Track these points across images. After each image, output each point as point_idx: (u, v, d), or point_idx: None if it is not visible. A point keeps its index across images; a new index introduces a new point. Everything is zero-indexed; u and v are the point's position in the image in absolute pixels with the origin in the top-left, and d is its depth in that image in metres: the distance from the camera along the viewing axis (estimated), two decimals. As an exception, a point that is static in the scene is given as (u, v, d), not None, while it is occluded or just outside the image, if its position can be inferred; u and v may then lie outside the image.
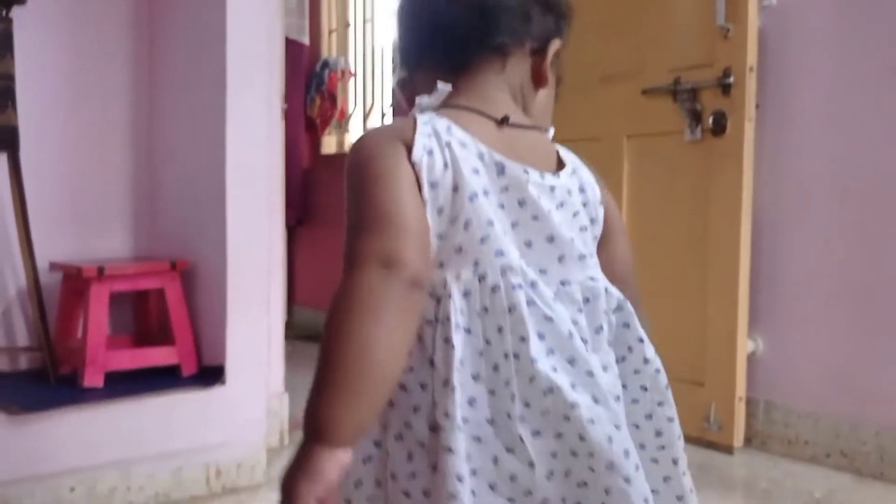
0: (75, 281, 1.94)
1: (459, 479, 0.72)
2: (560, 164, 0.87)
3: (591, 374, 0.77)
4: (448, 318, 0.74)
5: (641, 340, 0.84)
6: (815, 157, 2.13)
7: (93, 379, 1.85)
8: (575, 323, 0.79)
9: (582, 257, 0.83)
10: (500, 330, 0.74)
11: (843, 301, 2.09)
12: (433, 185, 0.75)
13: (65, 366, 1.96)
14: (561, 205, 0.82)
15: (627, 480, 0.75)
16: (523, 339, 0.74)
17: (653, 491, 0.87)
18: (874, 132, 2.02)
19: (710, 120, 2.19)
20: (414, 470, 0.75)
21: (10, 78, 1.89)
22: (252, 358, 1.97)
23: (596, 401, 0.76)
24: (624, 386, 0.84)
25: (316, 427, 0.69)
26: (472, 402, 0.74)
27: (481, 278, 0.75)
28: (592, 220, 0.87)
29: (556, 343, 0.76)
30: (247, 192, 1.97)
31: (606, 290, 0.84)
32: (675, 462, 0.87)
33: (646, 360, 0.84)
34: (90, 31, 2.12)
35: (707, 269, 2.25)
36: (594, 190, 0.89)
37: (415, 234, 0.72)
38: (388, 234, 0.72)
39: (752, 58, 2.13)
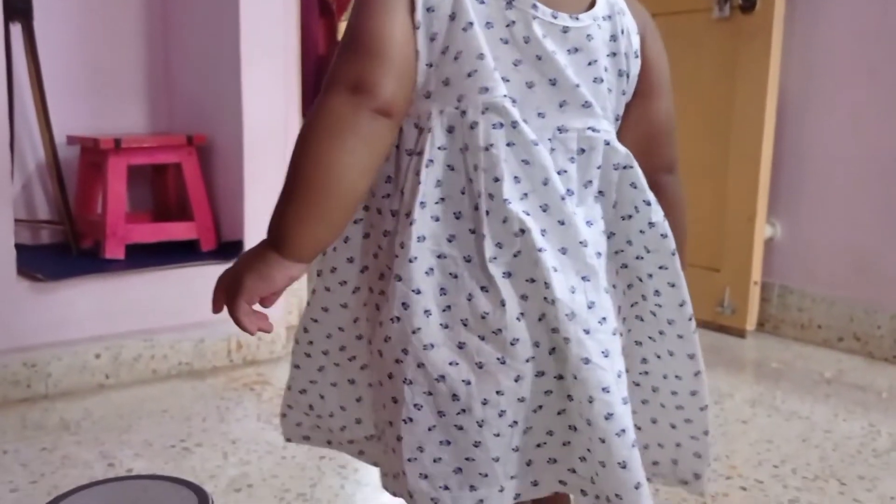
0: (93, 154, 1.94)
1: (405, 305, 0.73)
2: (592, 4, 0.80)
3: (563, 223, 0.75)
4: (422, 152, 0.73)
5: (648, 203, 0.80)
6: (846, 36, 2.07)
7: (114, 251, 1.87)
8: (562, 172, 0.76)
9: (587, 105, 0.77)
10: (475, 168, 0.74)
11: (866, 183, 2.06)
12: (429, 9, 0.72)
13: (86, 240, 1.99)
14: (574, 49, 0.77)
15: (587, 332, 0.75)
16: (497, 180, 0.73)
17: (657, 356, 0.87)
18: (910, 9, 1.95)
19: (741, -4, 2.12)
20: (383, 288, 0.77)
21: (20, -57, 1.84)
22: (270, 234, 1.98)
23: (563, 251, 0.75)
24: (629, 242, 0.82)
25: (278, 236, 0.72)
26: (451, 238, 0.74)
27: (463, 113, 0.74)
28: (620, 73, 0.81)
29: (531, 187, 0.75)
30: (262, 68, 1.94)
31: (608, 143, 0.79)
32: (670, 323, 0.85)
33: (651, 224, 0.80)
34: None
35: (729, 152, 2.22)
36: (631, 40, 0.82)
37: (393, 62, 0.71)
38: (364, 60, 0.71)
39: (787, -71, 2.04)
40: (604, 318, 0.76)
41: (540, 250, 0.73)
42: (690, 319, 0.85)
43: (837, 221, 2.13)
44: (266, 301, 0.77)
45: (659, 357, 0.88)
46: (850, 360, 2.04)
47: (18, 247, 1.72)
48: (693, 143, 2.31)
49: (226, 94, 1.96)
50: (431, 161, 0.74)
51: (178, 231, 1.98)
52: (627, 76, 0.82)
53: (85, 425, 1.59)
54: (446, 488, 0.77)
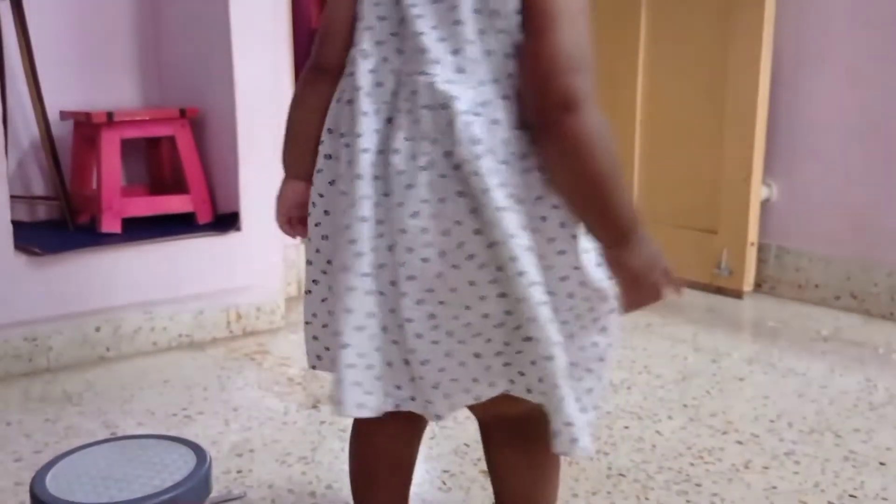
0: (86, 128, 1.94)
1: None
2: None
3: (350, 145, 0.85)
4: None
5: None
6: (841, -7, 2.05)
7: (110, 225, 1.88)
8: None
9: (423, 51, 0.80)
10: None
11: (862, 140, 2.06)
12: None
13: (82, 215, 1.99)
14: None
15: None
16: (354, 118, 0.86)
17: None
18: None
19: (733, -45, 2.10)
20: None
21: (6, -83, 1.83)
22: (266, 205, 1.98)
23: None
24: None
25: (282, 167, 1.00)
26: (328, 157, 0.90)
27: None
28: (491, 13, 0.80)
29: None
30: (253, 40, 1.93)
31: (432, 84, 0.80)
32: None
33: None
34: None
35: (724, 113, 2.21)
36: None
37: (333, 33, 0.87)
38: (318, 41, 0.90)
39: None
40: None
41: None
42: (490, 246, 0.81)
43: (833, 180, 2.13)
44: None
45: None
46: (847, 318, 2.05)
47: (15, 223, 1.73)
48: (688, 106, 2.31)
49: (218, 66, 1.95)
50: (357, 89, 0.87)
51: (174, 204, 1.98)
52: (499, 14, 0.80)
53: (87, 396, 1.61)
54: (327, 349, 0.92)
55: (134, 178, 2.16)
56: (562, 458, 0.98)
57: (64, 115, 2.00)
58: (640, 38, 2.38)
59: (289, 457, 1.34)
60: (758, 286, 2.27)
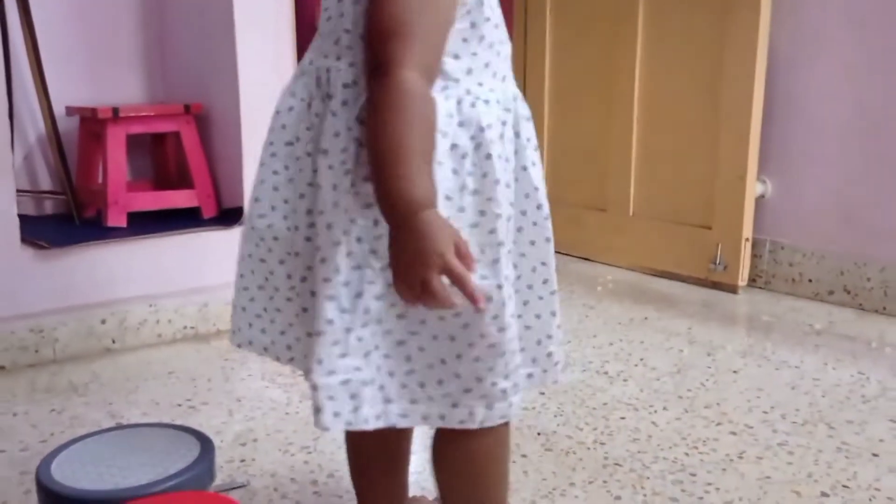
0: (92, 124, 1.97)
1: None
2: None
3: None
4: None
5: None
6: (836, -7, 2.08)
7: (116, 219, 1.91)
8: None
9: (347, 31, 0.83)
10: None
11: (856, 137, 2.09)
12: None
13: (89, 209, 2.02)
14: None
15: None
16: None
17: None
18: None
19: (730, -45, 2.13)
20: None
21: (12, -85, 1.85)
22: (269, 200, 2.01)
23: None
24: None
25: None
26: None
27: None
28: None
29: None
30: (256, 36, 1.96)
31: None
32: None
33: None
34: None
35: (720, 111, 2.24)
36: None
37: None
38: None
39: None
40: None
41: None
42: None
43: (827, 177, 2.16)
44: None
45: None
46: (840, 313, 2.08)
47: (22, 217, 1.75)
48: (685, 103, 2.34)
49: (221, 62, 1.98)
50: None
51: (179, 199, 2.01)
52: None
53: (93, 387, 1.64)
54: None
55: (139, 174, 2.18)
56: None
57: (70, 110, 2.03)
58: (637, 35, 2.41)
59: (291, 446, 1.37)
60: (752, 281, 2.30)
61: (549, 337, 0.93)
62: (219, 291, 1.96)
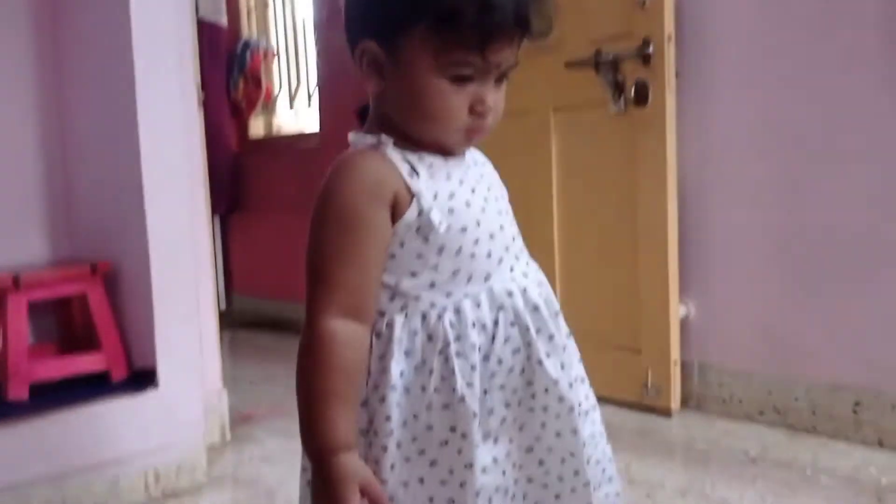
0: (-9, 292, 1.86)
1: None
2: None
3: None
4: None
5: None
6: (736, 121, 2.16)
7: (17, 392, 1.78)
8: None
9: None
10: None
11: (768, 261, 2.14)
12: None
13: (-11, 379, 1.89)
14: None
15: None
16: None
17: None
18: (790, 93, 2.06)
19: (633, 90, 2.20)
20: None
21: None
22: (184, 358, 1.93)
23: None
24: None
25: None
26: None
27: None
28: None
29: None
30: (166, 188, 1.91)
31: None
32: None
33: None
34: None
35: (637, 237, 2.27)
36: None
37: None
38: None
39: (669, 26, 2.14)
40: None
41: None
42: None
43: (745, 297, 2.19)
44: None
45: None
46: (772, 435, 2.08)
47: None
48: (603, 231, 2.37)
49: (130, 217, 1.91)
50: None
51: (85, 363, 1.90)
52: None
53: (-11, 592, 1.49)
54: None
55: (43, 335, 2.07)
56: None
57: (-33, 276, 1.92)
58: (552, 165, 2.45)
59: None
60: (685, 402, 2.29)
61: None
62: (130, 462, 1.84)
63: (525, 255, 0.95)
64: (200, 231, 2.19)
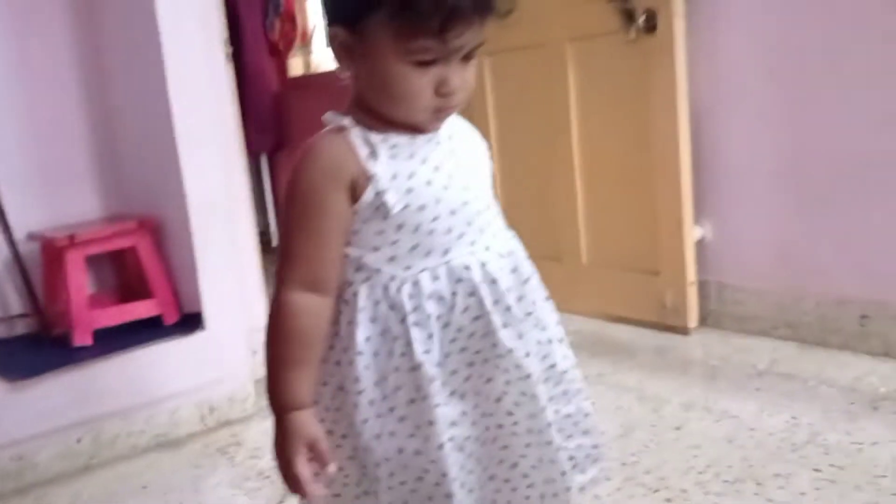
0: (51, 249, 2.07)
1: None
2: None
3: None
4: None
5: None
6: (746, 45, 2.18)
7: (82, 338, 2.00)
8: None
9: None
10: None
11: (780, 180, 2.19)
12: None
13: (58, 327, 2.11)
14: None
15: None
16: None
17: None
18: (799, 16, 2.06)
19: (643, 18, 2.23)
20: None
21: (-45, 65, 1.96)
22: (227, 301, 2.11)
23: None
24: None
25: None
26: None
27: None
28: None
29: None
30: (198, 142, 2.04)
31: None
32: None
33: None
34: (27, 6, 2.16)
35: (652, 162, 2.34)
36: None
37: None
38: None
39: (675, -48, 2.15)
40: None
41: None
42: None
43: (759, 217, 2.25)
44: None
45: None
46: (784, 348, 2.17)
47: (-6, 343, 1.86)
48: (617, 157, 2.44)
49: (168, 172, 2.07)
50: None
51: (140, 310, 2.11)
52: None
53: (72, 510, 1.73)
54: None
55: (104, 285, 2.28)
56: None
57: (31, 236, 2.13)
58: (569, 94, 2.51)
59: (256, 557, 1.46)
60: (703, 321, 2.39)
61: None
62: (186, 396, 2.05)
63: (493, 227, 1.00)
64: (237, 177, 2.34)
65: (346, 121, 0.94)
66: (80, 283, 2.03)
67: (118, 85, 2.23)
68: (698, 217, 2.34)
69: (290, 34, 4.04)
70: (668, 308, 2.37)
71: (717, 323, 2.38)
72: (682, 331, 2.36)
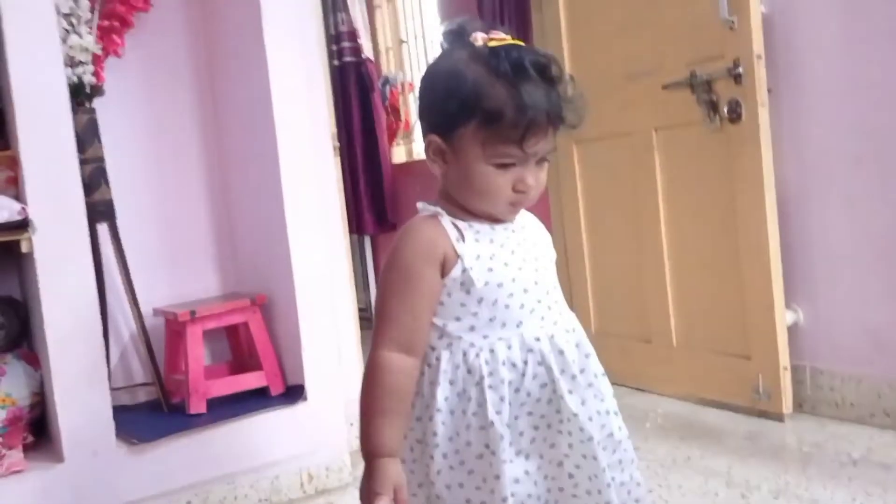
0: (174, 323, 2.27)
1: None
2: None
3: None
4: None
5: None
6: (831, 130, 2.22)
7: (197, 406, 2.17)
8: None
9: None
10: None
11: (873, 264, 2.18)
12: None
13: (176, 396, 2.30)
14: None
15: None
16: None
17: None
18: (881, 100, 2.10)
19: (726, 109, 2.30)
20: None
21: (101, 160, 2.22)
22: (327, 373, 2.25)
23: None
24: None
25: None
26: None
27: None
28: None
29: None
30: (305, 227, 2.22)
31: None
32: None
33: None
34: (161, 106, 2.43)
35: (739, 247, 2.37)
36: None
37: None
38: None
39: (757, 46, 2.23)
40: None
41: None
42: None
43: (851, 301, 2.24)
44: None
45: None
46: (881, 437, 2.12)
47: (119, 408, 2.04)
48: (705, 243, 2.48)
49: (278, 256, 2.26)
50: None
51: (249, 381, 2.27)
52: None
53: (181, 568, 1.85)
54: None
55: (217, 357, 2.47)
56: None
57: (156, 311, 2.35)
58: (656, 181, 2.59)
59: None
60: (799, 406, 2.35)
61: None
62: (287, 463, 2.18)
63: (558, 306, 1.14)
64: (339, 258, 2.51)
65: (439, 208, 1.11)
66: (198, 355, 2.21)
67: (237, 176, 2.46)
68: (790, 301, 2.34)
69: (393, 125, 4.30)
70: (761, 393, 2.36)
71: (812, 409, 2.34)
72: (776, 416, 2.33)
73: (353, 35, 4.06)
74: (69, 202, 1.94)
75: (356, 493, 1.94)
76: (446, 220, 1.09)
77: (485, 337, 1.07)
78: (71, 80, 2.09)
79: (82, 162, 2.05)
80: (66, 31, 2.12)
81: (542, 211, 3.08)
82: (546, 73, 1.03)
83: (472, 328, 1.07)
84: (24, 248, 1.90)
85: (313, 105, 2.34)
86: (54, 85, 1.92)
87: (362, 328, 2.75)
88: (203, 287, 2.50)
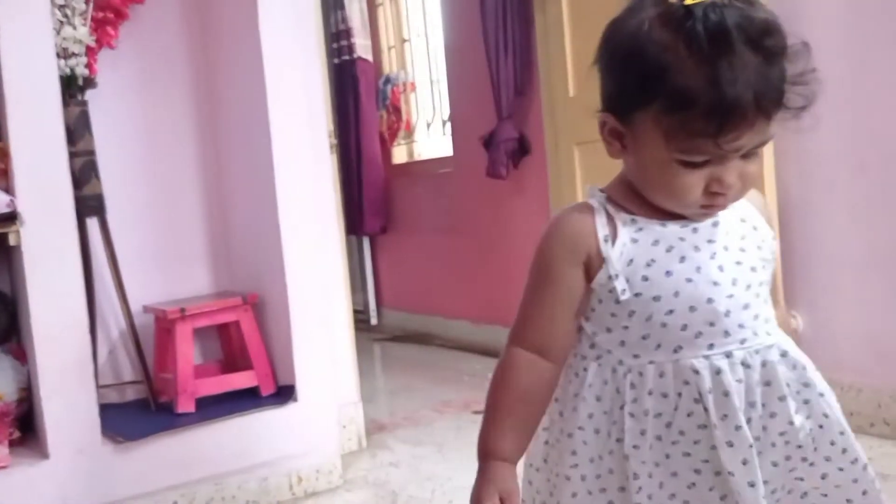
0: (163, 321, 2.23)
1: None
2: None
3: None
4: None
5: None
6: (833, 137, 2.18)
7: (185, 405, 2.14)
8: None
9: None
10: None
11: (873, 273, 2.14)
12: None
13: (164, 394, 2.26)
14: None
15: None
16: None
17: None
18: (883, 107, 2.07)
19: (728, 112, 2.27)
20: None
21: (92, 153, 2.19)
22: (319, 375, 2.21)
23: None
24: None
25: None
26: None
27: None
28: None
29: None
30: (299, 226, 2.19)
31: None
32: None
33: None
34: (155, 99, 2.40)
35: (741, 254, 2.33)
36: None
37: None
38: None
39: (761, 49, 2.19)
40: None
41: None
42: None
43: (852, 311, 2.20)
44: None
45: None
46: (880, 447, 2.08)
47: (106, 406, 2.02)
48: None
49: (271, 255, 2.22)
50: None
51: (239, 381, 2.24)
52: None
53: (164, 569, 1.82)
54: None
55: (208, 355, 2.44)
56: None
57: (146, 309, 2.31)
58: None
59: None
60: (797, 415, 2.31)
61: None
62: (276, 465, 2.15)
63: (745, 333, 0.89)
64: (334, 259, 2.48)
65: (596, 199, 0.93)
66: (187, 353, 2.18)
67: (231, 176, 2.43)
68: (791, 310, 2.30)
69: (394, 125, 4.27)
70: (759, 401, 2.32)
71: (810, 418, 2.30)
72: (774, 425, 2.29)
73: (349, 33, 4.04)
74: (58, 195, 1.91)
75: (346, 497, 1.91)
76: (600, 213, 0.90)
77: (635, 356, 0.89)
78: (63, 71, 2.05)
79: (73, 155, 2.03)
80: (61, 22, 2.09)
81: (543, 214, 3.06)
82: (759, 41, 0.80)
83: (622, 343, 0.90)
84: (11, 241, 1.87)
85: (310, 101, 2.31)
86: (46, 76, 1.89)
87: (358, 330, 2.72)
88: (195, 285, 2.47)
